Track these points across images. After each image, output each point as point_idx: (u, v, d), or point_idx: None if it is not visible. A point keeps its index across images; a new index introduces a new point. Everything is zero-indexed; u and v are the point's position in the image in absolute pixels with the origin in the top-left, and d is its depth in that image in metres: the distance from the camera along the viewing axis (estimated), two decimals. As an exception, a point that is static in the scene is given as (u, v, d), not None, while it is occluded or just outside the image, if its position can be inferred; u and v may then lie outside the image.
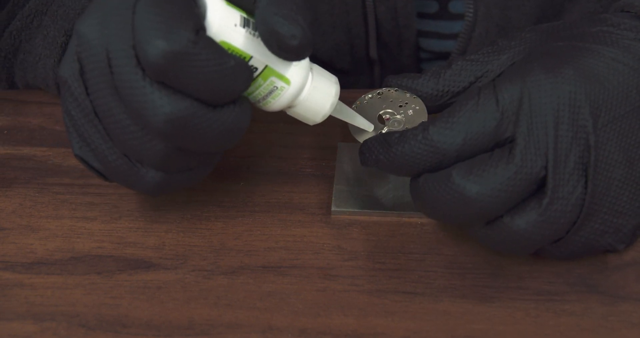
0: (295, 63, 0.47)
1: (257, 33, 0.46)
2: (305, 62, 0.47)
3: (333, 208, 0.53)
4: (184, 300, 0.49)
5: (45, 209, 0.54)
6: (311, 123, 0.50)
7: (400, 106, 0.51)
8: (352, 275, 0.50)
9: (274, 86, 0.47)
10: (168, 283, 0.50)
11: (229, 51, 0.45)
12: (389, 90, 0.52)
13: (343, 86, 0.51)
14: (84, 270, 0.50)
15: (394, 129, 0.51)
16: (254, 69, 0.46)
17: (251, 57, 0.46)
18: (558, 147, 0.45)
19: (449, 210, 0.46)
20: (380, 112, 0.52)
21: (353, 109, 0.51)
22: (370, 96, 0.52)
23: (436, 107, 0.51)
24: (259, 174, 0.55)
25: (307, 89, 0.48)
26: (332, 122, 0.58)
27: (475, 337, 0.47)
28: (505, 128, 0.46)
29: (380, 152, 0.48)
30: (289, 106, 0.48)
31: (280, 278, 0.50)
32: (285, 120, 0.59)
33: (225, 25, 0.45)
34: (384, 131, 0.51)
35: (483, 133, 0.46)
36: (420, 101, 0.51)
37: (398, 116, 0.51)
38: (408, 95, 0.51)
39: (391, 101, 0.52)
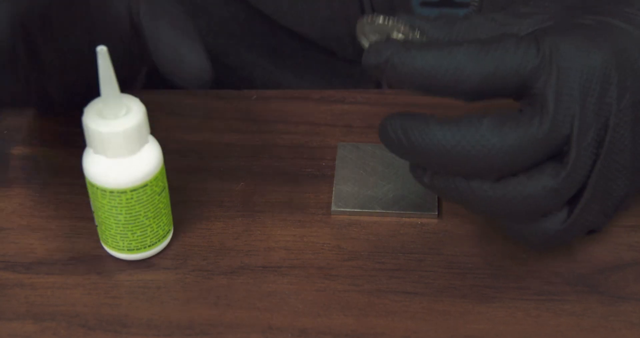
0: None
1: None
2: None
3: (333, 208, 0.53)
4: (184, 300, 0.49)
5: (45, 209, 0.54)
6: None
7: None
8: (352, 275, 0.50)
9: None
10: (168, 283, 0.50)
11: None
12: (397, 21, 0.49)
13: (350, 76, 0.50)
14: (84, 270, 0.50)
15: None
16: None
17: None
18: (583, 118, 0.44)
19: (470, 158, 0.44)
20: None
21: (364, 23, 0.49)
22: (379, 20, 0.49)
23: None
24: (259, 174, 0.55)
25: None
26: (332, 122, 0.59)
27: (475, 337, 0.47)
28: (538, 77, 0.44)
29: (399, 60, 0.45)
30: None
31: (280, 278, 0.50)
32: (285, 120, 0.59)
33: None
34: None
35: (517, 71, 0.44)
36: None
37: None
38: (417, 34, 0.48)
39: (396, 32, 0.49)
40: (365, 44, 0.47)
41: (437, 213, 0.53)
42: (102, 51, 0.44)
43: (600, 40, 0.45)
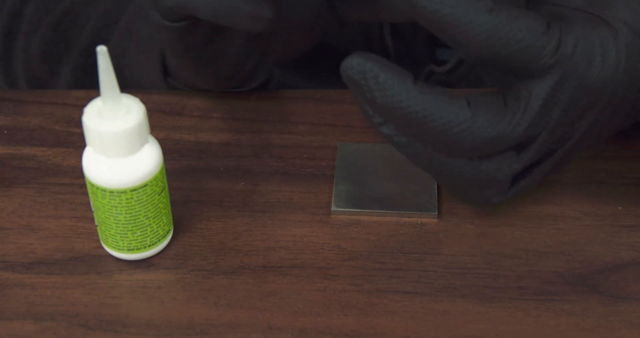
0: None
1: None
2: None
3: (333, 208, 0.53)
4: (184, 300, 0.49)
5: (45, 209, 0.54)
6: None
7: None
8: (352, 275, 0.50)
9: None
10: (168, 283, 0.50)
11: None
12: None
13: None
14: (84, 270, 0.50)
15: None
16: None
17: None
18: (555, 128, 0.45)
19: (441, 134, 0.45)
20: None
21: None
22: None
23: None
24: (259, 174, 0.55)
25: None
26: (332, 122, 0.59)
27: (475, 337, 0.47)
28: (543, 75, 0.44)
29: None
30: None
31: (280, 278, 0.50)
32: (285, 120, 0.59)
33: None
34: None
35: (530, 61, 0.44)
36: None
37: None
38: None
39: None
40: None
41: (437, 213, 0.53)
42: (102, 50, 0.44)
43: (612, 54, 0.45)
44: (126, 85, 0.62)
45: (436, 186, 0.54)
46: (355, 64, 0.45)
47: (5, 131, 0.58)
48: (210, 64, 0.54)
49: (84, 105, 0.46)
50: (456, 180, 0.47)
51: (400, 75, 0.44)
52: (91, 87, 0.63)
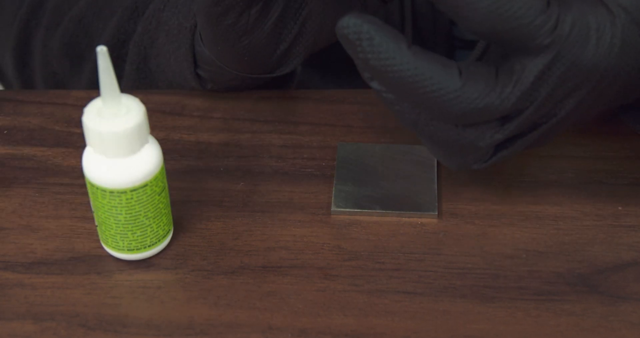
0: None
1: None
2: None
3: (333, 208, 0.53)
4: (184, 300, 0.49)
5: (45, 209, 0.54)
6: None
7: None
8: (352, 275, 0.50)
9: None
10: (168, 283, 0.50)
11: None
12: None
13: None
14: (84, 270, 0.50)
15: None
16: None
17: None
18: (542, 103, 0.45)
19: (429, 100, 0.45)
20: None
21: None
22: None
23: None
24: (259, 174, 0.55)
25: None
26: (332, 122, 0.59)
27: (475, 337, 0.47)
28: (537, 54, 0.44)
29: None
30: None
31: (280, 278, 0.50)
32: (285, 120, 0.59)
33: None
34: None
35: (526, 39, 0.44)
36: None
37: None
38: None
39: None
40: None
41: (437, 213, 0.53)
42: (102, 50, 0.44)
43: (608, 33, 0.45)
44: (151, 77, 0.62)
45: (436, 186, 0.54)
46: (351, 24, 0.45)
47: (5, 131, 0.58)
48: (244, 37, 0.54)
49: (84, 105, 0.46)
50: (440, 143, 0.48)
51: (395, 38, 0.45)
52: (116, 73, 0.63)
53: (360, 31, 0.44)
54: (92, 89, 0.63)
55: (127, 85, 0.63)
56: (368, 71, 0.46)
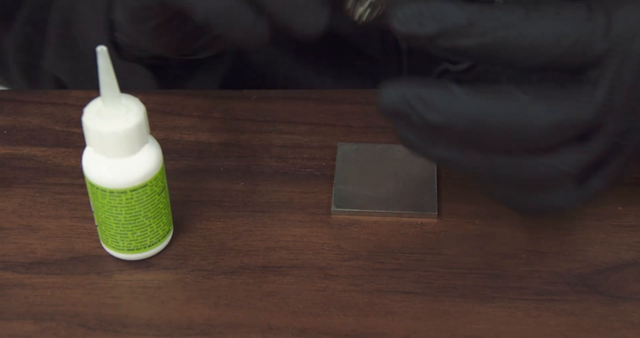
0: None
1: None
2: None
3: (333, 208, 0.53)
4: (184, 300, 0.49)
5: (45, 209, 0.54)
6: None
7: None
8: (352, 275, 0.50)
9: None
10: (168, 283, 0.50)
11: None
12: None
13: (371, 74, 0.49)
14: (84, 270, 0.50)
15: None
16: None
17: None
18: (623, 113, 0.42)
19: (504, 131, 0.41)
20: None
21: None
22: None
23: None
24: (259, 174, 0.55)
25: None
26: (332, 122, 0.59)
27: (475, 337, 0.47)
28: (598, 62, 0.41)
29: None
30: None
31: (280, 278, 0.50)
32: (285, 120, 0.59)
33: None
34: None
35: (580, 52, 0.41)
36: None
37: None
38: None
39: None
40: (359, 10, 0.44)
41: (437, 213, 0.53)
42: (102, 50, 0.44)
43: None
44: (75, 43, 0.60)
45: (436, 186, 0.54)
46: (393, 94, 0.42)
47: (5, 131, 0.58)
48: (164, 37, 0.51)
49: (84, 105, 0.46)
50: (513, 180, 0.44)
51: (441, 85, 0.42)
52: (39, 38, 0.62)
53: (404, 95, 0.42)
54: (21, 52, 0.62)
55: (53, 52, 0.62)
56: (427, 135, 0.43)
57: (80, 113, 0.46)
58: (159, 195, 0.48)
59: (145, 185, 0.47)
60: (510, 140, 0.42)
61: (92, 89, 0.61)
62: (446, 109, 0.41)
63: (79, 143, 0.57)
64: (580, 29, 0.41)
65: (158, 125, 0.58)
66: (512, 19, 0.41)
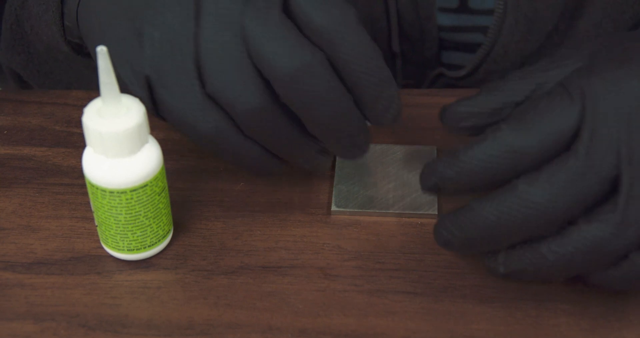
0: None
1: None
2: None
3: (333, 208, 0.53)
4: (184, 300, 0.49)
5: (45, 209, 0.54)
6: None
7: None
8: (352, 275, 0.50)
9: None
10: (168, 283, 0.50)
11: None
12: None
13: None
14: (84, 270, 0.50)
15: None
16: None
17: None
18: (633, 141, 0.43)
19: (519, 223, 0.44)
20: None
21: None
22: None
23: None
24: (259, 174, 0.55)
25: None
26: (332, 123, 0.58)
27: (475, 337, 0.47)
28: (578, 128, 0.43)
29: (447, 166, 0.46)
30: None
31: (280, 278, 0.50)
32: (285, 120, 0.59)
33: None
34: None
35: (563, 129, 0.43)
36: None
37: None
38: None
39: None
40: None
41: (437, 213, 0.53)
42: (102, 51, 0.44)
43: (636, 62, 0.44)
44: (27, 38, 0.60)
45: (436, 186, 0.54)
46: (462, 111, 0.48)
47: (5, 131, 0.58)
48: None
49: (84, 105, 0.46)
50: (580, 259, 0.44)
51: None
52: None
53: (472, 109, 0.47)
54: None
55: (4, 45, 0.62)
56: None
57: (80, 113, 0.46)
58: (159, 195, 0.48)
59: (145, 185, 0.47)
60: (537, 226, 0.44)
61: (46, 82, 0.61)
62: (471, 225, 0.45)
63: (79, 143, 0.57)
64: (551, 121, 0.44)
65: (158, 125, 0.58)
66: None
